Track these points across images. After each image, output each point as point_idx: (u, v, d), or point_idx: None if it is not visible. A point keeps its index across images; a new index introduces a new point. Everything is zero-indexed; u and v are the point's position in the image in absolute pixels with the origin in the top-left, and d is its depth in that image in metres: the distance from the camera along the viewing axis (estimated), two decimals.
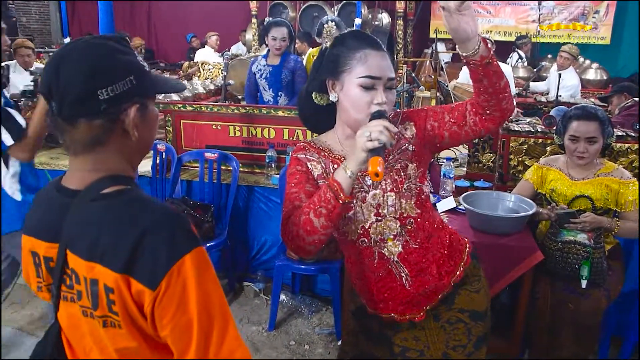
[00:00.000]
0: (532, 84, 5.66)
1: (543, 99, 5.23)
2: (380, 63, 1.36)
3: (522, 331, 2.44)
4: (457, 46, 1.30)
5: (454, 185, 2.88)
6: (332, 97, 1.42)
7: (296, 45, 5.46)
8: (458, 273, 1.53)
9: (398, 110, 1.53)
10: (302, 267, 2.82)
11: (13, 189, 2.39)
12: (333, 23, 1.27)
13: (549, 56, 7.21)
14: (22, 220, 1.88)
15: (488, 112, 1.34)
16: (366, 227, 1.45)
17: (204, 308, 0.91)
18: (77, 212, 0.96)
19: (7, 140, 2.22)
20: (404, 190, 1.44)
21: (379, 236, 1.45)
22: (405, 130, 1.48)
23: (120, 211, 0.94)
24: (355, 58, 1.36)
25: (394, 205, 1.44)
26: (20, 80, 4.69)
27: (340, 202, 1.27)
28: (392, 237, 1.45)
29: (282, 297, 3.21)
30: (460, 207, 2.59)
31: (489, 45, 1.27)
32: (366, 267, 1.50)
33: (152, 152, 2.71)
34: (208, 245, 3.00)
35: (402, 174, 1.45)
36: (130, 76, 0.96)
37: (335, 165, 1.45)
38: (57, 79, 0.92)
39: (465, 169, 3.26)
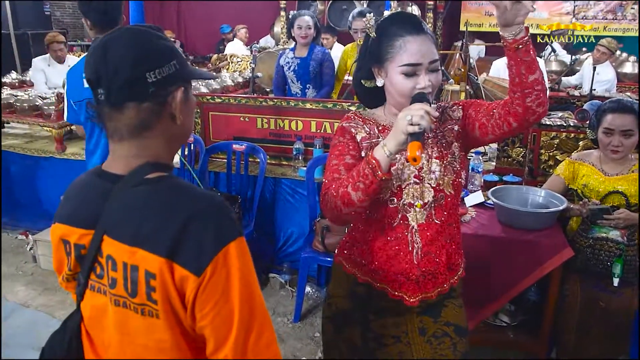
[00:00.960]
0: (563, 78, 5.51)
1: (576, 92, 5.09)
2: (421, 48, 1.36)
3: (550, 329, 2.40)
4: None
5: (482, 180, 2.84)
6: (379, 82, 1.47)
7: (322, 41, 5.43)
8: (456, 278, 1.55)
9: (453, 101, 1.57)
10: (328, 259, 2.81)
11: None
12: (372, 14, 1.26)
13: (584, 49, 7.02)
14: None
15: (512, 104, 1.33)
16: (402, 187, 1.45)
17: (246, 299, 0.91)
18: (120, 197, 0.96)
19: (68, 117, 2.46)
20: (447, 163, 1.46)
21: (410, 199, 1.45)
22: (454, 112, 1.51)
23: (165, 196, 0.94)
24: (395, 47, 1.38)
25: (436, 172, 1.45)
26: (55, 73, 4.81)
27: (378, 178, 1.29)
28: (421, 203, 1.45)
29: (308, 289, 3.23)
30: (488, 201, 2.55)
31: (527, 35, 1.26)
32: (382, 229, 1.49)
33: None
34: None
35: (447, 148, 1.47)
36: (174, 60, 0.97)
37: (379, 129, 1.49)
38: (105, 64, 0.92)
39: (494, 163, 3.21)
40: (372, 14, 1.54)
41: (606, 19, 7.43)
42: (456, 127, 1.49)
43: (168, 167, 1.02)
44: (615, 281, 2.20)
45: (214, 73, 5.37)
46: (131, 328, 0.95)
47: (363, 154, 1.46)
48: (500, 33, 1.28)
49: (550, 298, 2.35)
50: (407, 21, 1.40)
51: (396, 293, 1.49)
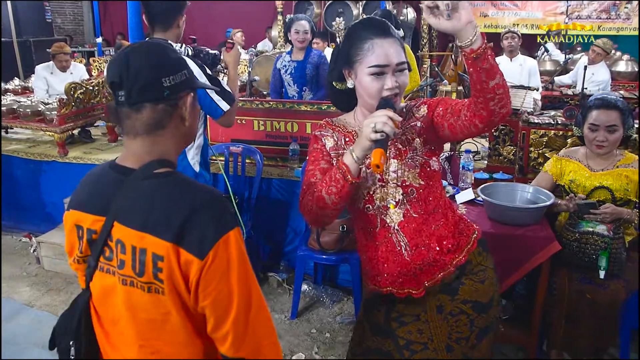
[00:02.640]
0: (556, 78, 5.58)
1: (569, 92, 5.17)
2: (388, 50, 1.43)
3: (540, 322, 2.46)
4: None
5: (473, 178, 2.90)
6: (349, 84, 1.53)
7: (313, 45, 5.49)
8: (462, 255, 1.56)
9: (420, 99, 1.61)
10: (324, 257, 2.89)
11: (195, 160, 2.56)
12: (341, 18, 1.34)
13: (579, 48, 7.09)
14: None
15: (476, 107, 1.35)
16: (371, 193, 1.53)
17: (245, 281, 1.03)
18: (131, 187, 1.08)
19: (224, 106, 2.42)
20: (407, 159, 1.52)
21: (382, 202, 1.53)
22: (418, 110, 1.56)
23: (173, 189, 1.07)
24: (364, 49, 1.44)
25: (396, 171, 1.52)
26: (58, 81, 4.90)
27: (348, 182, 1.37)
28: (393, 203, 1.52)
29: (305, 287, 3.29)
30: (478, 198, 2.62)
31: (483, 44, 1.26)
32: (369, 236, 1.58)
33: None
34: None
35: (407, 145, 1.53)
36: (184, 70, 1.13)
37: (347, 139, 1.56)
38: (128, 69, 1.06)
39: (486, 162, 3.28)
40: (341, 18, 1.61)
41: (600, 18, 7.51)
42: (419, 124, 1.54)
43: (173, 164, 1.15)
44: (602, 274, 2.27)
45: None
46: (137, 304, 1.06)
47: (334, 162, 1.54)
48: (457, 43, 1.30)
49: (540, 291, 2.42)
50: (376, 25, 1.47)
51: (402, 291, 1.57)
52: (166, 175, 1.09)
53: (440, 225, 1.55)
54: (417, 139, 1.53)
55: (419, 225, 1.53)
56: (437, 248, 1.54)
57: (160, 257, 1.00)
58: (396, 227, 1.53)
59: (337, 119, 1.65)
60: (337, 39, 1.50)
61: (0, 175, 4.09)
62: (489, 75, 1.28)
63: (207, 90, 2.33)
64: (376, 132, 1.30)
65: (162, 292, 1.03)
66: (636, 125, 2.60)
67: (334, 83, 1.59)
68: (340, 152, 1.56)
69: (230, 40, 2.61)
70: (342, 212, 1.51)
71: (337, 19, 1.31)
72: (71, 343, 1.14)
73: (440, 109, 1.50)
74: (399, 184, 1.52)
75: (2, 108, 4.14)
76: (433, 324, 1.59)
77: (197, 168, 2.56)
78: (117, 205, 1.07)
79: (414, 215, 1.53)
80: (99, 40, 7.30)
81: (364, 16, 3.97)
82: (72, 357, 1.14)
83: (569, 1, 7.19)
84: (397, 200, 1.52)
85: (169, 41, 2.29)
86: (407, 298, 1.57)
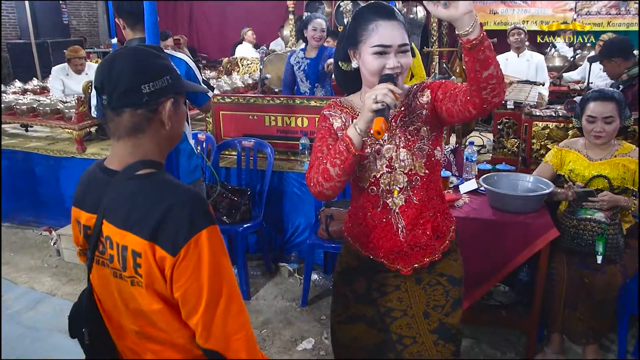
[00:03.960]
0: (565, 74, 5.62)
1: (577, 87, 5.22)
2: (392, 32, 1.50)
3: (540, 307, 2.54)
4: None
5: (477, 169, 2.99)
6: (354, 64, 1.60)
7: (325, 44, 5.55)
8: (446, 243, 1.70)
9: (424, 82, 1.68)
10: (332, 245, 3.00)
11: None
12: (349, 1, 1.41)
13: (589, 45, 7.11)
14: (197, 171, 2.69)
15: (470, 94, 1.40)
16: (377, 177, 1.62)
17: (215, 278, 1.08)
18: (115, 188, 1.14)
19: (209, 93, 2.81)
20: (415, 149, 1.60)
21: (387, 187, 1.62)
22: (422, 96, 1.61)
23: (150, 190, 1.12)
24: (368, 29, 1.52)
25: (405, 160, 1.60)
26: (73, 82, 5.06)
27: (351, 154, 1.44)
28: (398, 189, 1.62)
29: (315, 276, 3.41)
30: (481, 189, 2.71)
31: (480, 35, 1.29)
32: (369, 214, 1.67)
33: (193, 141, 2.98)
34: (245, 226, 3.22)
35: (415, 134, 1.60)
36: (167, 76, 1.16)
37: (353, 119, 1.62)
38: (110, 74, 1.12)
39: (491, 154, 3.37)
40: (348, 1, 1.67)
41: (610, 14, 7.49)
42: (424, 112, 1.60)
43: (159, 164, 1.20)
44: (599, 259, 2.35)
45: (224, 76, 5.57)
46: (126, 294, 1.15)
47: None
48: (456, 32, 1.35)
49: (539, 277, 2.50)
50: (381, 8, 1.55)
51: (392, 265, 1.68)
52: (148, 176, 1.14)
53: (434, 212, 1.67)
54: (424, 128, 1.61)
55: (417, 211, 1.64)
56: (429, 233, 1.65)
57: (139, 254, 1.08)
58: (397, 210, 1.64)
59: (345, 99, 1.72)
60: (345, 20, 1.58)
61: (0, 171, 4.25)
62: (483, 65, 1.32)
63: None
64: (377, 102, 1.37)
65: (142, 285, 1.10)
66: (634, 116, 2.67)
67: (339, 63, 1.67)
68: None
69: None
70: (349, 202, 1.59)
71: (345, 1, 1.37)
72: (83, 329, 1.24)
73: (440, 93, 1.56)
74: (406, 171, 1.61)
75: (23, 107, 4.30)
76: (412, 293, 1.70)
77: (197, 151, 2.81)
78: (104, 204, 1.14)
79: (415, 202, 1.63)
80: (114, 41, 7.43)
81: None
82: (87, 341, 1.25)
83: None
84: (401, 186, 1.62)
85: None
86: (393, 273, 1.69)
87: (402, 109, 1.62)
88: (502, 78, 1.38)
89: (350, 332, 1.78)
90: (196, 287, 1.07)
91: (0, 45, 8.77)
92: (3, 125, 4.67)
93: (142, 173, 1.15)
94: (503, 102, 2.80)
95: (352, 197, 1.78)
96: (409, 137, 1.61)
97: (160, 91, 1.14)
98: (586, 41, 7.23)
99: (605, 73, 5.28)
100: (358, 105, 1.68)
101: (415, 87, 1.65)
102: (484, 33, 1.31)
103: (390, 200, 1.64)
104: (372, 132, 1.37)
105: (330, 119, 1.67)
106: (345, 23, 1.64)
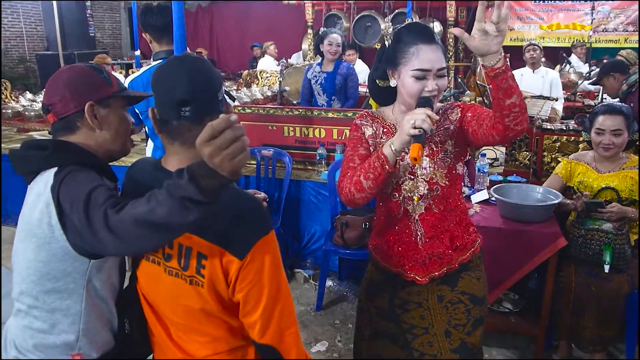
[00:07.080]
0: (583, 83, 5.67)
1: (592, 102, 5.28)
2: (431, 56, 1.56)
3: (549, 314, 2.61)
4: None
5: (488, 180, 3.08)
6: (392, 83, 1.67)
7: (347, 57, 5.69)
8: (466, 255, 1.74)
9: (456, 102, 1.76)
10: (347, 251, 3.10)
11: None
12: (390, 24, 1.47)
13: (605, 60, 7.15)
14: None
15: (495, 120, 1.47)
16: (400, 183, 1.68)
17: (275, 278, 1.17)
18: None
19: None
20: (438, 159, 1.67)
21: (408, 193, 1.68)
22: (452, 113, 1.69)
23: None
24: (409, 52, 1.57)
25: (427, 168, 1.67)
26: None
27: (385, 171, 1.52)
28: (418, 196, 1.68)
29: (330, 282, 3.51)
30: (492, 199, 2.80)
31: (504, 65, 1.36)
32: (390, 221, 1.75)
33: None
34: None
35: (440, 145, 1.67)
36: (222, 83, 1.24)
37: (384, 130, 1.71)
38: (193, 85, 1.14)
39: (503, 167, 3.45)
40: (390, 23, 1.77)
41: (627, 30, 7.55)
42: (452, 127, 1.67)
43: None
44: (606, 268, 2.42)
45: (244, 89, 5.74)
46: (180, 292, 1.21)
47: (371, 150, 1.71)
48: (479, 60, 1.46)
49: (548, 285, 2.57)
50: (422, 31, 1.60)
51: (409, 274, 1.74)
52: None
53: (454, 224, 1.73)
54: (449, 141, 1.67)
55: (437, 221, 1.70)
56: (448, 244, 1.72)
57: (205, 256, 1.14)
58: (416, 217, 1.70)
59: (377, 110, 1.80)
60: (385, 41, 1.65)
61: (1, 174, 4.38)
62: (506, 94, 1.39)
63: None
64: (415, 127, 1.43)
65: (202, 285, 1.16)
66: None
67: (377, 80, 1.73)
68: (377, 140, 1.70)
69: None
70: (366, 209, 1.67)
71: (386, 23, 1.47)
72: (125, 320, 1.35)
73: (469, 114, 1.63)
74: (427, 180, 1.66)
75: None
76: (434, 311, 1.76)
77: None
78: None
79: (435, 210, 1.70)
80: (137, 52, 7.69)
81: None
82: (127, 331, 1.35)
83: (594, 14, 7.28)
84: (422, 194, 1.68)
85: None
86: (411, 284, 1.74)
87: None
88: (524, 108, 1.45)
89: (374, 348, 1.84)
90: (258, 288, 1.16)
91: (0, 47, 9.17)
92: (34, 133, 4.87)
93: None
94: None
95: (376, 207, 1.84)
96: (434, 147, 1.67)
97: (224, 98, 1.22)
98: (602, 58, 7.29)
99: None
100: (389, 117, 1.75)
101: (447, 104, 1.74)
102: (508, 64, 1.39)
103: (410, 206, 1.70)
104: (409, 157, 1.44)
105: (363, 128, 1.74)
106: (385, 43, 1.74)
